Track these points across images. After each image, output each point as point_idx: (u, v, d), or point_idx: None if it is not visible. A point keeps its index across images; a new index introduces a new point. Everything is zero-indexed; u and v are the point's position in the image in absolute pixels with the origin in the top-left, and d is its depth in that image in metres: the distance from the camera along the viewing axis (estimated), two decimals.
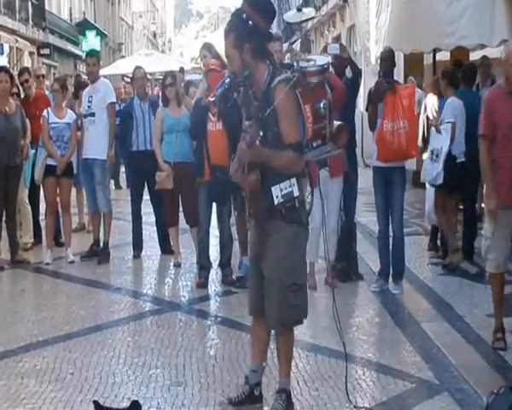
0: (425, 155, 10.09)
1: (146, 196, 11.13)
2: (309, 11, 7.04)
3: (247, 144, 5.03)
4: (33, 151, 10.89)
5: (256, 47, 5.16)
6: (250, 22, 5.12)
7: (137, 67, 11.55)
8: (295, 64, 5.34)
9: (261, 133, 4.98)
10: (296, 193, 5.16)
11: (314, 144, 5.23)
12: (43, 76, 13.50)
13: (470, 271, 9.62)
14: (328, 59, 7.81)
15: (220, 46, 10.76)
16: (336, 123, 5.32)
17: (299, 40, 35.15)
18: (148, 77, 23.32)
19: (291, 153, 5.04)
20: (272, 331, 5.53)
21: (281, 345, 5.45)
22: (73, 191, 11.92)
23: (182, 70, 17.78)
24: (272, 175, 5.11)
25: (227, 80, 5.30)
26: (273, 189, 5.12)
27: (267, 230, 5.26)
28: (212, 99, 5.56)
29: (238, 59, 5.18)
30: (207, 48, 10.11)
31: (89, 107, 10.83)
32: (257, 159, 5.08)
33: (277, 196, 5.13)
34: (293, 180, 5.16)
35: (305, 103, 5.19)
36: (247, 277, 5.83)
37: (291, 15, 7.10)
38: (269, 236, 5.25)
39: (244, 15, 5.16)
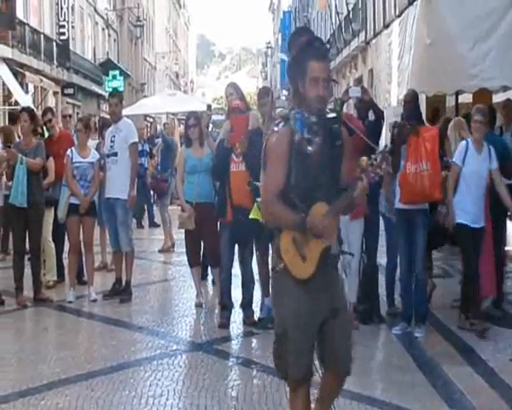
0: None
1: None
2: None
3: (370, 183, 4.67)
4: (22, 166, 10.43)
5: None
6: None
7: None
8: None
9: (390, 170, 4.64)
10: (341, 238, 5.01)
11: None
12: (70, 116, 13.64)
13: (493, 314, 9.55)
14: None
15: (242, 87, 10.87)
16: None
17: None
18: (171, 117, 23.52)
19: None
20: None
21: (338, 390, 5.20)
22: (97, 230, 11.98)
23: (209, 107, 17.94)
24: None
25: (298, 115, 4.79)
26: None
27: (327, 279, 4.89)
28: (309, 136, 4.76)
29: (328, 87, 4.88)
30: (234, 86, 10.17)
31: (111, 147, 10.90)
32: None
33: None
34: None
35: None
36: (291, 334, 4.85)
37: None
38: (330, 284, 4.91)
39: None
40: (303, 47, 4.85)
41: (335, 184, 4.81)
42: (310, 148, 4.72)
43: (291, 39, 5.01)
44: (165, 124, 25.07)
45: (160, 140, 18.63)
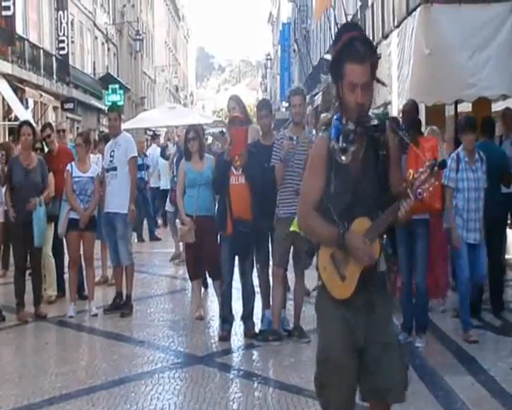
0: None
1: None
2: None
3: (417, 199, 4.24)
4: (42, 207, 10.62)
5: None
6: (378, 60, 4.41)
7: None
8: None
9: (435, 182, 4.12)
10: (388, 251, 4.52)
11: None
12: (64, 131, 13.65)
13: (494, 323, 9.54)
14: None
15: (242, 99, 10.87)
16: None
17: (321, 93, 35.37)
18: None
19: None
20: None
21: None
22: (97, 245, 11.98)
23: (222, 133, 17.82)
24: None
25: (336, 121, 4.32)
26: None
27: (374, 303, 4.35)
28: (343, 145, 4.23)
29: (372, 92, 4.37)
30: (236, 100, 10.19)
31: (111, 161, 10.92)
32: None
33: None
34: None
35: None
36: (322, 373, 4.38)
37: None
38: (377, 309, 4.36)
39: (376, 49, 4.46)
40: (341, 47, 4.28)
41: (381, 197, 4.31)
42: (343, 158, 4.22)
43: (335, 37, 4.46)
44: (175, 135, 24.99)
45: (172, 152, 18.64)
